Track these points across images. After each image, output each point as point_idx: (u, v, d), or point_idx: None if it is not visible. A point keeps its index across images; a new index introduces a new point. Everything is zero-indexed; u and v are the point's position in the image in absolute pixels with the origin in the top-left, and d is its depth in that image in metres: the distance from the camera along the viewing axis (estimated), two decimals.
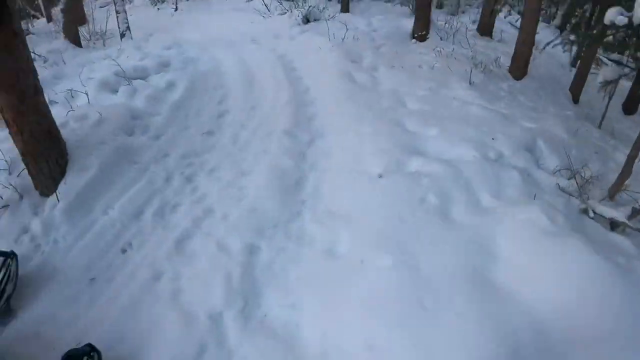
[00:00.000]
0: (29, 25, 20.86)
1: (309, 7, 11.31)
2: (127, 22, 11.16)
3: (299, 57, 8.39)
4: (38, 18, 25.06)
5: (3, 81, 4.55)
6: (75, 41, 11.53)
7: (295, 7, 11.90)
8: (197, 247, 4.37)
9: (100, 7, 22.80)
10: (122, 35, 11.17)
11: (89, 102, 6.73)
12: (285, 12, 11.98)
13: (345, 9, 12.74)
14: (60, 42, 11.46)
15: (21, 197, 5.39)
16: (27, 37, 9.78)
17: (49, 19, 24.28)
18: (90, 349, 3.43)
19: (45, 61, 10.68)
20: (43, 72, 9.70)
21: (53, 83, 8.60)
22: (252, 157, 5.46)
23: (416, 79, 7.39)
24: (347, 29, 9.43)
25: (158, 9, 16.63)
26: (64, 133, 5.52)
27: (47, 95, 7.97)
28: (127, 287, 4.16)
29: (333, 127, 5.93)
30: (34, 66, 4.83)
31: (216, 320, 3.69)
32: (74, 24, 11.58)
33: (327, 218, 4.44)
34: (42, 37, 12.60)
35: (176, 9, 15.50)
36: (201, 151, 5.77)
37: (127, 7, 19.89)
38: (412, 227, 4.09)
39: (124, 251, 4.56)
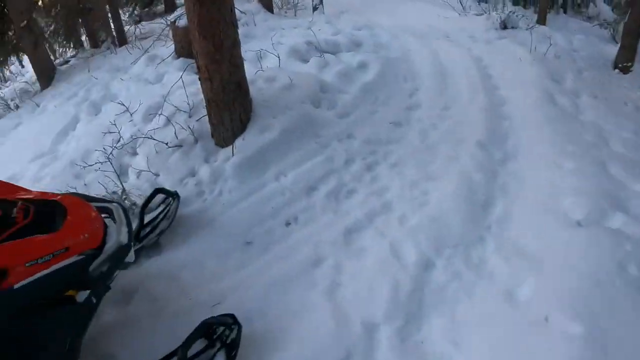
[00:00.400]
0: None
1: (509, 12, 10.47)
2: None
3: (495, 63, 7.66)
4: None
5: (205, 28, 4.44)
6: (268, 6, 11.63)
7: (493, 10, 11.11)
8: (367, 244, 3.95)
9: None
10: (315, 9, 11.09)
11: (279, 65, 6.57)
12: (482, 14, 11.22)
13: (542, 21, 11.67)
14: (254, 5, 11.61)
15: (196, 141, 5.33)
16: None
17: None
18: (233, 321, 3.15)
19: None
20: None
21: (243, 42, 8.65)
22: (440, 162, 4.92)
23: (620, 116, 6.40)
24: (550, 44, 8.53)
25: None
26: (252, 90, 5.36)
27: None
28: (284, 262, 3.86)
29: (529, 151, 5.22)
30: (235, 19, 4.67)
31: (370, 331, 3.25)
32: None
33: (513, 254, 3.80)
34: None
35: None
36: (386, 140, 5.34)
37: None
38: (607, 296, 3.33)
39: (287, 224, 4.28)
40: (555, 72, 7.35)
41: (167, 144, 5.30)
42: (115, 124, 6.10)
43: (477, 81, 6.78)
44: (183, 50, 8.51)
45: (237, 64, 4.78)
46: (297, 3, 12.79)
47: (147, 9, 18.39)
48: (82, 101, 7.98)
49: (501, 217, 4.26)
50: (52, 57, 12.60)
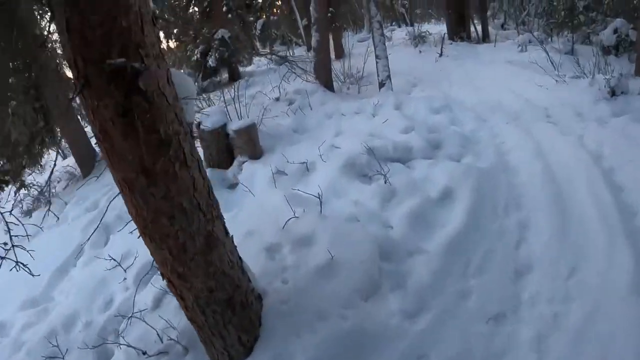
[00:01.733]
0: (290, 51, 20.49)
1: (619, 75, 7.80)
2: (388, 71, 9.02)
3: (623, 163, 5.38)
4: (300, 45, 25.02)
5: (151, 227, 2.44)
6: (327, 83, 9.66)
7: (597, 71, 8.47)
8: None
9: (359, 41, 21.60)
10: (382, 85, 9.12)
11: (320, 210, 4.41)
12: (581, 77, 8.63)
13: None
14: (311, 83, 9.69)
15: (186, 351, 3.32)
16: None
17: (309, 47, 24.02)
18: None
19: (289, 103, 8.95)
20: (285, 120, 8.01)
21: (291, 139, 7.26)
22: None
23: None
24: None
25: (420, 51, 14.33)
26: (263, 285, 3.19)
27: (280, 158, 6.18)
28: None
29: None
30: (211, 199, 2.57)
31: None
32: (325, 65, 9.69)
33: None
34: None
35: (441, 54, 12.97)
36: None
37: (386, 44, 18.45)
38: None
39: None
40: None
41: (144, 353, 3.59)
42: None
43: (608, 207, 4.52)
44: (213, 159, 6.76)
45: (222, 270, 2.61)
46: (362, 76, 10.72)
47: (210, 79, 17.28)
48: (95, 219, 6.68)
49: None
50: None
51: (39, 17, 9.03)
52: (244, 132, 6.57)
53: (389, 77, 9.26)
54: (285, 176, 5.90)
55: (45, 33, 8.88)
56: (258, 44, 27.92)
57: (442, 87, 9.56)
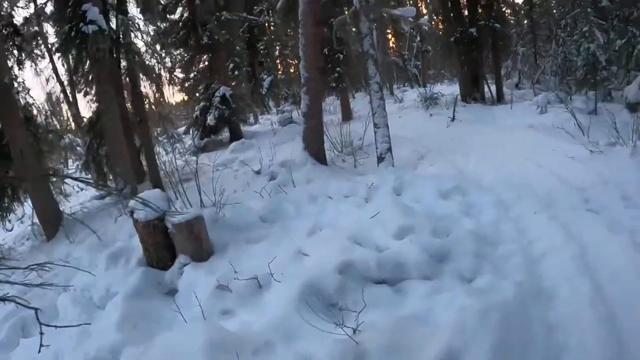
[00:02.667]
0: (299, 111, 19.28)
1: None
2: (389, 142, 7.56)
3: None
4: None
5: None
6: (319, 155, 8.27)
7: (638, 138, 6.98)
8: None
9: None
10: (380, 159, 7.65)
11: None
12: (617, 143, 7.15)
13: None
14: (299, 152, 8.31)
15: None
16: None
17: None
18: None
19: (271, 178, 7.61)
20: (257, 202, 6.65)
21: (255, 234, 5.84)
22: None
23: None
24: None
25: (430, 114, 12.97)
26: None
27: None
28: None
29: None
30: None
31: None
32: (316, 133, 8.34)
33: None
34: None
35: (453, 119, 11.58)
36: None
37: (395, 107, 17.26)
38: None
39: None
40: None
41: None
42: None
43: None
44: (151, 256, 5.44)
45: None
46: (362, 146, 9.35)
47: (209, 138, 16.36)
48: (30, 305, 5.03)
49: None
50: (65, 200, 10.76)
51: None
52: (185, 227, 5.10)
53: (389, 150, 7.80)
54: (228, 294, 4.42)
55: None
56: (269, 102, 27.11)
57: (455, 160, 8.08)
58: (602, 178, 6.06)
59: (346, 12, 8.59)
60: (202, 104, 16.33)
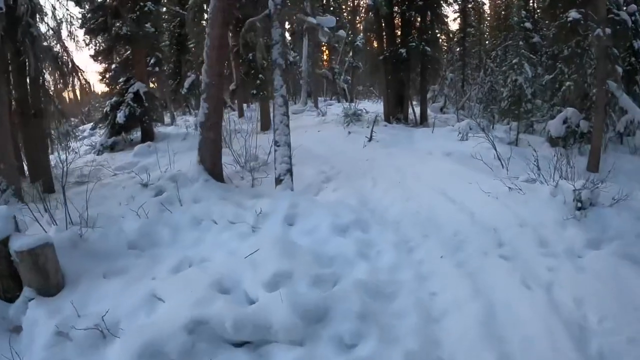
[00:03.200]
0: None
1: (588, 182, 5.72)
2: (289, 163, 6.59)
3: (618, 339, 3.43)
4: (233, 109, 22.63)
5: None
6: (215, 171, 7.13)
7: (559, 176, 6.35)
8: None
9: (293, 113, 19.53)
10: (278, 181, 6.54)
11: None
12: (537, 180, 6.55)
13: (594, 167, 8.99)
14: (194, 167, 7.14)
15: None
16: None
17: (241, 112, 21.66)
18: None
19: (157, 193, 6.40)
20: (131, 223, 5.49)
21: (114, 265, 4.78)
22: None
23: None
24: None
25: (349, 132, 12.10)
26: None
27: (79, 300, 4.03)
28: None
29: None
30: None
31: None
32: (213, 146, 7.22)
33: None
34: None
35: (370, 139, 10.78)
36: None
37: (317, 120, 16.39)
38: None
39: None
40: None
41: None
42: None
43: None
44: None
45: None
46: (267, 161, 8.32)
47: (118, 137, 14.79)
48: None
49: None
50: None
51: None
52: (28, 256, 3.98)
53: (289, 171, 6.76)
54: (68, 343, 3.43)
55: None
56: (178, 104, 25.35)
57: (363, 186, 7.18)
58: (519, 219, 5.33)
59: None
60: (114, 99, 14.78)
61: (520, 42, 12.20)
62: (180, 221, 5.74)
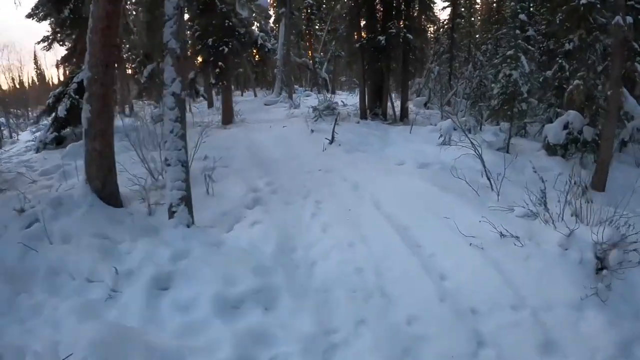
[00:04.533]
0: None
1: (610, 234, 3.75)
2: (185, 189, 4.53)
3: None
4: (204, 98, 20.44)
5: None
6: (104, 188, 5.08)
7: (571, 214, 4.44)
8: None
9: (265, 104, 17.45)
10: (170, 213, 4.38)
11: None
12: (537, 215, 4.53)
13: (600, 185, 7.07)
14: (80, 186, 5.09)
15: None
16: None
17: (210, 103, 19.47)
18: None
19: (29, 225, 4.44)
20: None
21: None
22: None
23: None
24: None
25: (312, 130, 10.08)
26: None
27: None
28: None
29: None
30: None
31: None
32: (103, 159, 5.14)
33: None
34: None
35: (332, 141, 8.84)
36: None
37: (286, 113, 14.32)
38: None
39: None
40: None
41: None
42: None
43: None
44: None
45: None
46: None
47: (65, 130, 12.37)
48: None
49: None
50: None
51: None
52: None
53: (183, 200, 4.64)
54: None
55: None
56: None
57: (298, 216, 5.12)
58: (514, 293, 3.35)
59: None
60: (58, 89, 12.52)
61: (517, 31, 10.04)
62: (36, 271, 3.76)
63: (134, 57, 22.61)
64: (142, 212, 5.12)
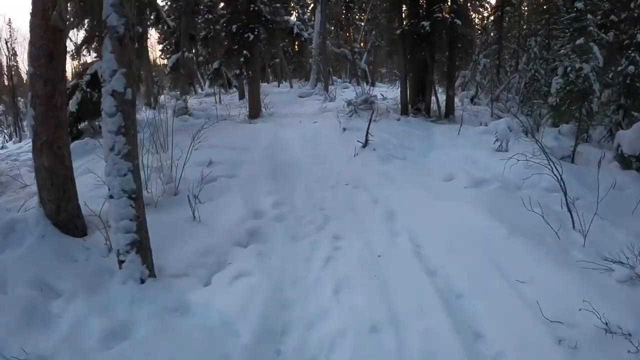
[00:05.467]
0: (218, 97, 14.58)
1: None
2: (137, 231, 3.22)
3: None
4: (235, 90, 19.14)
5: None
6: (63, 215, 3.72)
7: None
8: None
9: (300, 97, 15.93)
10: (120, 263, 3.03)
11: None
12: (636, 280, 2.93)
13: None
14: (34, 211, 3.83)
15: None
16: None
17: (242, 94, 18.16)
18: None
19: None
20: None
21: None
22: None
23: None
24: None
25: (344, 129, 8.59)
26: None
27: None
28: None
29: None
30: None
31: None
32: (54, 179, 3.80)
33: None
34: None
35: (365, 144, 7.37)
36: None
37: (320, 107, 12.84)
38: None
39: None
40: None
41: None
42: None
43: None
44: None
45: None
46: (177, 188, 4.91)
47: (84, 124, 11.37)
48: None
49: None
50: None
51: None
52: None
53: (135, 245, 3.18)
54: None
55: None
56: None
57: (305, 262, 3.64)
58: None
59: None
60: (72, 82, 11.40)
61: (589, 15, 8.17)
62: None
63: (167, 47, 21.62)
64: (103, 246, 3.76)
